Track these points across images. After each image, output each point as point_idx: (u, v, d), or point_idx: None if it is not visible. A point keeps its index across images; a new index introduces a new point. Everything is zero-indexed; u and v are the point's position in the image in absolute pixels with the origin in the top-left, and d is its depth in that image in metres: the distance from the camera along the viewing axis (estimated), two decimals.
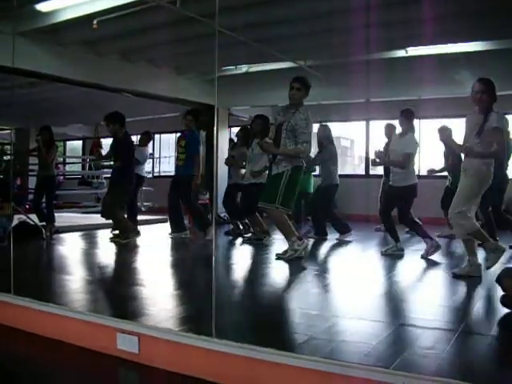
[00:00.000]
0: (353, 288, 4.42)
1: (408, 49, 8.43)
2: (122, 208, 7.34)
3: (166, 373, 2.68)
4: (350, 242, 7.26)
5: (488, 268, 4.59)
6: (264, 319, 3.41)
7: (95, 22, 7.09)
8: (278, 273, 5.21)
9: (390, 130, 7.94)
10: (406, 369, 2.35)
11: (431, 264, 5.57)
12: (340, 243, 7.17)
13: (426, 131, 9.87)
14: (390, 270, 5.41)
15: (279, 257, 5.56)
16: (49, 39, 8.14)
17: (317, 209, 7.52)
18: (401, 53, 8.57)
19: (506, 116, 4.86)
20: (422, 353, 2.69)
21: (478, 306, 3.87)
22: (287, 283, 4.87)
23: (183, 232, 7.50)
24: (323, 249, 6.99)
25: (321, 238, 7.43)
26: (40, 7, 6.94)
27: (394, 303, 3.96)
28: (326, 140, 7.47)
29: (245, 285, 4.82)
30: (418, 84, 9.34)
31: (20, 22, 7.08)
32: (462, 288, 4.44)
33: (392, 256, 5.88)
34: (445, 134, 6.54)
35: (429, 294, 4.29)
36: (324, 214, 7.47)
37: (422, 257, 5.74)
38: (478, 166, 4.52)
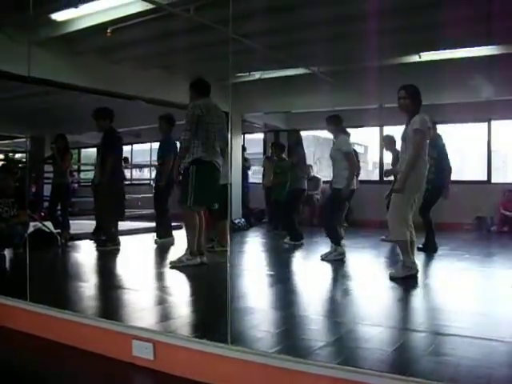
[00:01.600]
0: (367, 294, 4.40)
1: (421, 54, 8.41)
2: None
3: (181, 379, 2.68)
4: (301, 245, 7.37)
5: (391, 277, 4.78)
6: (278, 325, 3.40)
7: (109, 30, 7.15)
8: (290, 279, 5.20)
9: (389, 142, 7.90)
10: (422, 376, 2.34)
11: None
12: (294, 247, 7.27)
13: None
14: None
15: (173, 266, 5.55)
16: (64, 48, 8.21)
17: (285, 214, 7.61)
18: (414, 58, 8.55)
19: None
20: (439, 360, 2.67)
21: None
22: (301, 289, 4.85)
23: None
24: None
25: (295, 243, 7.44)
26: (55, 17, 7.00)
27: (410, 310, 3.93)
28: (294, 145, 7.54)
29: (258, 291, 4.81)
30: (431, 89, 9.29)
31: (35, 31, 7.15)
32: (484, 293, 4.40)
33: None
34: (386, 143, 6.95)
35: (444, 300, 4.26)
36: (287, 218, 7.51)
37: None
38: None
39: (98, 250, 6.95)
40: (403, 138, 4.85)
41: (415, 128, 4.67)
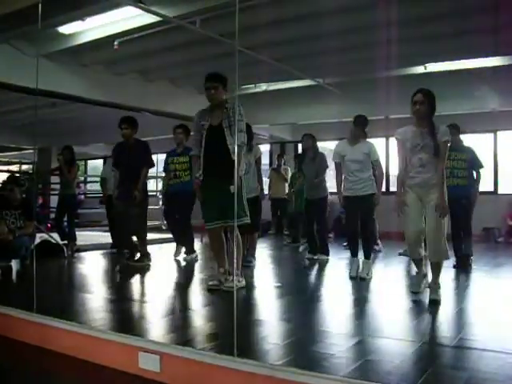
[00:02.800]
0: (375, 306, 4.38)
1: (427, 65, 8.42)
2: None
3: None
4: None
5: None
6: (285, 338, 3.39)
7: (116, 43, 7.21)
8: (298, 290, 5.18)
9: None
10: None
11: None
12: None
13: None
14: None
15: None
16: (71, 60, 8.30)
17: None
18: (420, 69, 8.57)
19: None
20: (449, 372, 2.65)
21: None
22: (308, 301, 4.83)
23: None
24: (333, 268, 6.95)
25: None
26: (63, 30, 7.07)
27: (418, 322, 3.91)
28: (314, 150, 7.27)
29: (265, 303, 4.80)
30: (437, 100, 9.29)
31: (43, 44, 7.22)
32: (493, 305, 4.37)
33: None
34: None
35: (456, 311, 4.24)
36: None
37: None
38: None
39: (132, 265, 6.54)
40: (422, 146, 4.39)
41: (445, 140, 4.36)
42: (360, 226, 5.79)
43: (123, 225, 6.68)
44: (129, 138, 6.52)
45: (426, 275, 4.73)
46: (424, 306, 4.31)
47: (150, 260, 6.65)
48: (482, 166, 6.54)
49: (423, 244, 4.58)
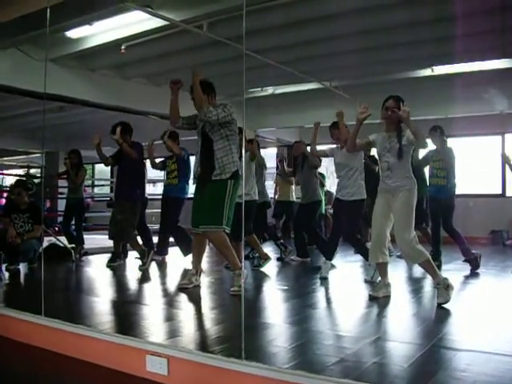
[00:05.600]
0: (381, 309, 4.37)
1: (434, 67, 8.40)
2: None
3: None
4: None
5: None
6: (293, 341, 3.38)
7: (123, 47, 7.24)
8: (306, 293, 5.17)
9: None
10: None
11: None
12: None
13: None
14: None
15: None
16: (78, 65, 8.34)
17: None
18: (427, 71, 8.55)
19: None
20: (455, 375, 2.64)
21: None
22: (315, 304, 4.82)
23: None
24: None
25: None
26: (70, 34, 7.10)
27: (426, 324, 3.89)
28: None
29: (272, 306, 4.80)
30: (444, 102, 9.29)
31: (51, 48, 7.26)
32: (501, 308, 4.35)
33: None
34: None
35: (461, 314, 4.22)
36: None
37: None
38: None
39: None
40: (388, 149, 4.51)
41: (411, 139, 4.36)
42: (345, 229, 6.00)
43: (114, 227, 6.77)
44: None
45: (388, 284, 4.72)
46: (433, 309, 4.30)
47: (146, 256, 6.65)
48: (452, 167, 6.62)
49: (387, 250, 4.65)
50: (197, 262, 5.21)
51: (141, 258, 6.64)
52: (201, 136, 4.95)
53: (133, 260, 6.97)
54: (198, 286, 5.20)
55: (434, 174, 6.64)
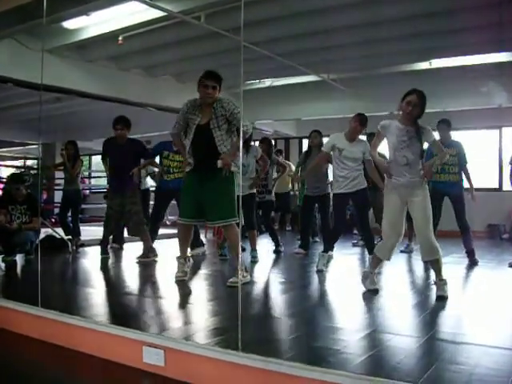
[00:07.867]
0: (380, 301, 4.37)
1: (432, 61, 8.38)
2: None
3: None
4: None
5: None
6: (290, 333, 3.39)
7: (121, 37, 7.21)
8: (303, 286, 5.18)
9: None
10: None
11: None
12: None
13: None
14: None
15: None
16: (75, 55, 8.30)
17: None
18: (425, 65, 8.53)
19: None
20: (453, 368, 2.64)
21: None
22: (312, 296, 4.83)
23: (200, 248, 7.11)
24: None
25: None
26: (67, 25, 7.06)
27: (423, 316, 3.90)
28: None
29: (269, 298, 4.80)
30: (442, 96, 9.28)
31: (48, 39, 7.21)
32: (498, 301, 4.36)
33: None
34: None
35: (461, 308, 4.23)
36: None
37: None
38: None
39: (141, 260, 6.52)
40: (408, 145, 4.34)
41: (432, 140, 4.43)
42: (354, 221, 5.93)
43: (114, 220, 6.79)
44: (123, 138, 6.60)
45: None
46: (430, 302, 4.31)
47: (156, 255, 6.62)
48: (466, 162, 6.59)
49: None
50: (185, 249, 5.25)
51: (143, 254, 6.58)
52: (196, 129, 4.82)
53: (130, 251, 6.96)
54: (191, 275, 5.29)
55: (446, 170, 6.47)
